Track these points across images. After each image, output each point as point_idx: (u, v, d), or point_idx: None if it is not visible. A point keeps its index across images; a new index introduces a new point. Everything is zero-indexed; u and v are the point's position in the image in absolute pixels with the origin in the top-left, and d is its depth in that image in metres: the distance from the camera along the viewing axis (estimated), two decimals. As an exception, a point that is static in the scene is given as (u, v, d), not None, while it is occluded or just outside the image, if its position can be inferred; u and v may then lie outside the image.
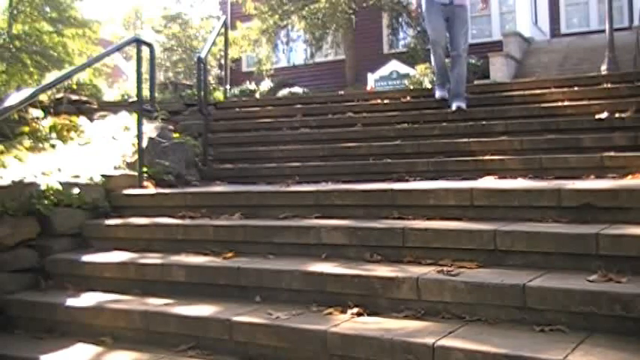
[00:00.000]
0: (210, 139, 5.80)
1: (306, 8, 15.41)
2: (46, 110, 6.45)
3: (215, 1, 21.18)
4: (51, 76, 9.30)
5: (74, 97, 7.19)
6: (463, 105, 5.61)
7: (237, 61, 17.32)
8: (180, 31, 20.76)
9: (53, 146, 5.58)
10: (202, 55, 5.93)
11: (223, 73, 9.58)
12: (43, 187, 3.93)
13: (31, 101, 4.89)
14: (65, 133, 5.96)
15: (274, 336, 2.62)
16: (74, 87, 7.76)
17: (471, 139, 4.93)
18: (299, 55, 17.25)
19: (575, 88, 5.67)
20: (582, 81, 5.93)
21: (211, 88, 8.93)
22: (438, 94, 6.03)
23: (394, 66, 13.59)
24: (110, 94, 8.55)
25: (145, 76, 5.06)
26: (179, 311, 2.93)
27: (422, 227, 3.08)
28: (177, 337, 2.85)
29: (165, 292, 3.24)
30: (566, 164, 4.18)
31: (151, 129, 5.47)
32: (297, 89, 13.42)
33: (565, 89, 5.69)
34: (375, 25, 16.50)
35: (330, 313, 2.70)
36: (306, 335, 2.54)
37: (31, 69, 18.08)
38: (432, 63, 6.27)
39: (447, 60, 6.13)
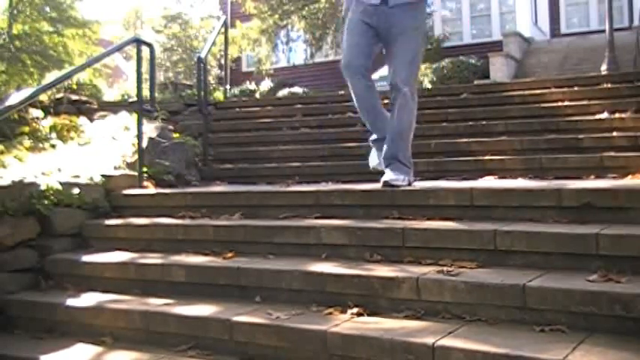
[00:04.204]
0: (210, 139, 5.80)
1: (306, 8, 15.40)
2: (46, 110, 6.46)
3: (215, 1, 21.18)
4: (51, 76, 9.32)
5: (74, 97, 7.20)
6: (397, 179, 3.52)
7: (237, 61, 17.33)
8: (181, 31, 20.74)
9: (53, 146, 5.58)
10: (202, 55, 5.93)
11: (223, 73, 9.58)
12: (43, 187, 3.93)
13: (31, 101, 4.90)
14: (65, 133, 5.97)
15: (274, 336, 2.62)
16: (74, 87, 7.77)
17: (471, 139, 4.94)
18: (299, 55, 17.24)
19: (575, 88, 5.68)
20: (582, 81, 5.94)
21: (211, 88, 8.93)
22: (370, 159, 4.01)
23: (394, 66, 13.58)
24: (110, 94, 8.56)
25: (145, 76, 5.06)
26: (179, 311, 2.93)
27: (422, 227, 3.08)
28: (177, 337, 2.84)
29: (165, 292, 3.24)
30: (566, 164, 4.18)
31: (151, 129, 5.47)
32: (297, 89, 13.42)
33: (565, 89, 5.70)
34: (375, 25, 16.49)
35: (330, 313, 2.69)
36: (306, 335, 2.54)
37: (31, 69, 18.07)
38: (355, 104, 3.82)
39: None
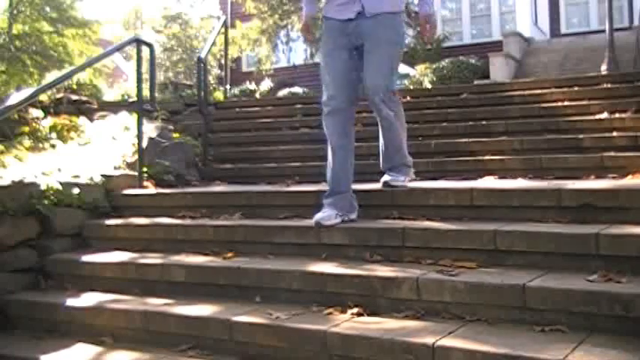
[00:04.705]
0: (210, 139, 5.80)
1: (306, 8, 15.38)
2: (46, 110, 6.46)
3: (215, 1, 21.19)
4: (51, 76, 9.31)
5: (74, 97, 7.19)
6: (397, 179, 3.53)
7: (237, 61, 17.33)
8: (181, 31, 20.73)
9: (53, 146, 5.58)
10: (202, 55, 5.93)
11: (223, 73, 9.58)
12: (43, 187, 3.93)
13: (31, 101, 4.89)
14: (65, 133, 5.96)
15: (274, 336, 2.62)
16: (74, 87, 7.76)
17: (471, 139, 4.93)
18: (299, 55, 17.23)
19: (575, 88, 5.68)
20: (582, 81, 5.94)
21: (211, 88, 8.93)
22: (321, 214, 3.27)
23: (394, 66, 13.59)
24: (110, 94, 8.55)
25: (145, 76, 5.06)
26: (179, 311, 2.93)
27: (422, 227, 3.08)
28: (177, 337, 2.84)
29: (165, 292, 3.24)
30: (566, 164, 4.18)
31: (151, 129, 5.48)
32: (297, 89, 13.42)
33: (565, 89, 5.70)
34: (375, 25, 16.48)
35: (330, 313, 2.69)
36: (306, 335, 2.54)
37: (31, 69, 18.07)
38: (329, 156, 3.43)
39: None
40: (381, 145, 3.63)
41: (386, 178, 3.57)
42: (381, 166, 3.67)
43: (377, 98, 3.35)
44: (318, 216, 3.26)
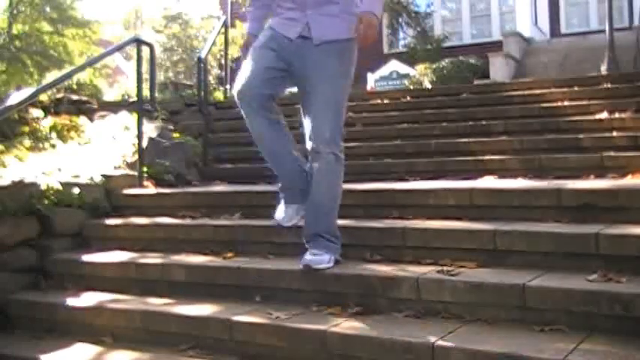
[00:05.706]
0: (210, 139, 5.80)
1: (306, 8, 15.37)
2: (46, 110, 6.48)
3: (215, 1, 21.19)
4: (51, 76, 9.33)
5: (74, 97, 7.21)
6: (321, 260, 2.86)
7: (237, 61, 17.31)
8: (181, 31, 20.72)
9: (53, 146, 5.59)
10: (202, 55, 5.93)
11: (223, 73, 9.58)
12: (43, 187, 3.93)
13: (31, 101, 4.90)
14: (65, 133, 5.97)
15: (274, 336, 2.62)
16: (74, 87, 7.78)
17: (471, 139, 4.94)
18: (299, 55, 17.22)
19: (575, 88, 5.68)
20: (582, 81, 5.94)
21: (211, 88, 8.93)
22: (276, 213, 3.19)
23: (394, 66, 13.58)
24: (110, 94, 8.56)
25: (145, 76, 5.06)
26: (179, 311, 2.93)
27: (422, 227, 3.08)
28: (177, 337, 2.84)
29: (165, 291, 3.24)
30: (566, 164, 4.18)
31: (151, 129, 5.48)
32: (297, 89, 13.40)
33: (565, 89, 5.70)
34: (376, 25, 16.46)
35: (330, 313, 2.69)
36: (306, 335, 2.54)
37: (31, 69, 18.09)
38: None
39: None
40: (307, 210, 3.00)
41: (307, 258, 2.87)
42: (303, 236, 3.00)
43: (321, 141, 2.87)
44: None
